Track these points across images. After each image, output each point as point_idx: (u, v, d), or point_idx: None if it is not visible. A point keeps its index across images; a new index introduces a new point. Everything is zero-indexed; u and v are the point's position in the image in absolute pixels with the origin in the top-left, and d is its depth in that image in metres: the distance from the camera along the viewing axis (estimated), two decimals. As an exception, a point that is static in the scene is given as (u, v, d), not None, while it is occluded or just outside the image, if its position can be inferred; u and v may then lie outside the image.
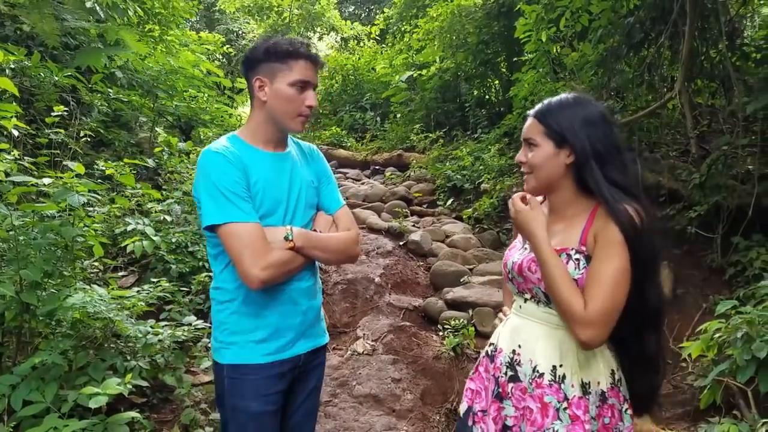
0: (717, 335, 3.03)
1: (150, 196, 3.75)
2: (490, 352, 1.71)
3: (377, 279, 5.02)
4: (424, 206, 7.39)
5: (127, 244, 3.19)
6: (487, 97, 9.99)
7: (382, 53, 12.86)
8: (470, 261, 5.45)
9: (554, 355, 1.53)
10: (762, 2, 6.10)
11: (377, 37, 15.17)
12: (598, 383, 1.52)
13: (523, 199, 1.62)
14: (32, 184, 2.49)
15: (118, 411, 2.49)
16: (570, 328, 1.45)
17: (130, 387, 2.49)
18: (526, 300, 1.63)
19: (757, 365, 2.78)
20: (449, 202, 7.34)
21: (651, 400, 1.63)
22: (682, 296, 4.53)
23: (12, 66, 4.09)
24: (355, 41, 16.29)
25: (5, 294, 2.33)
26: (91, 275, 3.45)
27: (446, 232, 6.20)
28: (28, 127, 3.69)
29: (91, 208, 3.12)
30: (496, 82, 9.79)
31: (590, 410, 1.49)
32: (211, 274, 1.84)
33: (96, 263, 3.46)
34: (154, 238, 3.20)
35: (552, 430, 1.48)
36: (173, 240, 3.92)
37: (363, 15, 18.83)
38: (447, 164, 7.78)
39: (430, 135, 8.97)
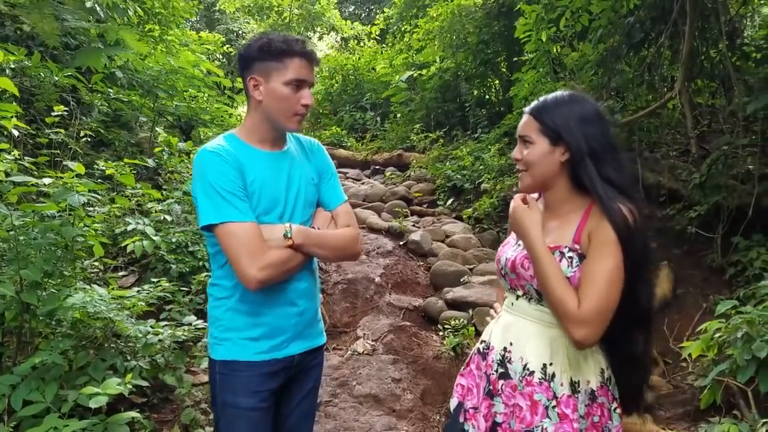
0: (717, 335, 3.03)
1: (150, 196, 3.75)
2: (481, 350, 1.70)
3: (377, 279, 5.02)
4: (425, 206, 7.39)
5: (127, 244, 3.19)
6: (487, 96, 9.99)
7: (382, 53, 12.85)
8: (470, 261, 5.45)
9: (545, 354, 1.53)
10: (762, 2, 6.09)
11: (377, 37, 15.17)
12: (588, 382, 1.52)
13: (524, 201, 1.62)
14: (32, 184, 2.49)
15: (119, 411, 2.49)
16: (563, 326, 1.45)
17: (131, 387, 2.49)
18: (518, 297, 1.63)
19: (757, 365, 2.78)
20: (449, 201, 7.34)
21: (638, 399, 1.64)
22: (683, 296, 4.53)
23: (12, 66, 4.09)
24: (356, 41, 16.30)
25: (5, 294, 2.33)
26: (92, 275, 3.45)
27: (446, 232, 6.20)
28: (28, 127, 3.69)
29: (91, 208, 3.12)
30: (496, 81, 9.79)
31: (579, 409, 1.49)
32: (211, 274, 1.84)
33: (96, 263, 3.46)
34: (155, 238, 3.20)
35: (541, 428, 1.49)
36: (173, 240, 3.92)
37: (363, 15, 18.83)
38: (447, 164, 7.78)
39: (430, 135, 8.97)
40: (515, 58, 7.80)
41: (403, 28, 11.68)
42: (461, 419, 1.66)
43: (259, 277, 1.58)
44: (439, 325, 4.45)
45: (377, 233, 6.00)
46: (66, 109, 3.76)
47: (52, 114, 3.50)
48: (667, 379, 3.81)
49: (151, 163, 4.31)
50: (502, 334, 1.63)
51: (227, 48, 11.11)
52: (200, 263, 3.95)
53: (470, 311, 4.48)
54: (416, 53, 10.57)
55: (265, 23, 15.53)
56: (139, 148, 5.41)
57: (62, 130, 3.77)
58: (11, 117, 2.67)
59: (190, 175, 4.61)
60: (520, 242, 1.61)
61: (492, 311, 1.83)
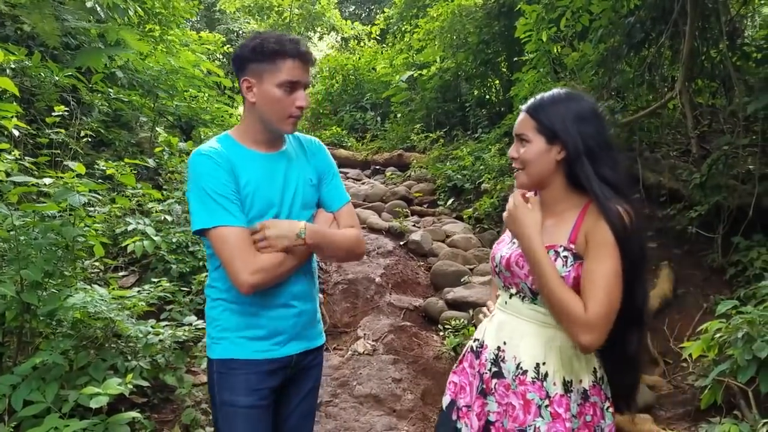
0: (718, 335, 3.03)
1: (150, 196, 3.75)
2: (475, 348, 1.70)
3: (378, 279, 5.02)
4: (425, 206, 7.39)
5: (127, 244, 3.19)
6: (487, 96, 9.99)
7: (382, 53, 12.86)
8: (471, 261, 5.45)
9: (538, 353, 1.52)
10: (762, 2, 6.09)
11: (377, 37, 15.17)
12: (580, 381, 1.52)
13: (524, 198, 1.60)
14: (33, 184, 2.50)
15: (119, 411, 2.50)
16: (569, 331, 1.44)
17: (131, 387, 2.50)
18: (511, 295, 1.62)
19: (757, 365, 2.78)
20: (450, 201, 7.34)
21: (631, 398, 1.64)
22: (683, 296, 4.53)
23: (12, 66, 4.09)
24: (356, 41, 16.30)
25: (6, 294, 2.33)
26: (92, 275, 3.45)
27: (447, 232, 6.20)
28: (28, 127, 3.69)
29: (91, 208, 3.12)
30: (497, 81, 9.79)
31: (571, 408, 1.49)
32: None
33: (96, 263, 3.46)
34: (155, 238, 3.20)
35: (533, 427, 1.48)
36: (174, 240, 3.92)
37: (363, 15, 18.83)
38: (447, 164, 7.78)
39: (431, 135, 8.97)
40: (516, 58, 7.80)
41: (403, 28, 11.69)
42: (453, 417, 1.66)
43: (250, 281, 1.57)
44: (439, 325, 4.45)
45: (378, 233, 6.01)
46: (66, 109, 3.76)
47: (53, 114, 3.50)
48: (667, 379, 3.81)
49: (151, 163, 4.31)
50: (496, 333, 1.63)
51: (227, 48, 11.12)
52: (200, 263, 3.95)
53: (471, 311, 4.48)
54: (416, 53, 10.58)
55: (266, 23, 15.54)
56: (140, 148, 5.41)
57: (62, 130, 3.77)
58: (12, 117, 2.67)
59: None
60: (515, 240, 1.60)
61: (485, 309, 1.83)
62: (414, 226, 6.35)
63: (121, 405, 2.83)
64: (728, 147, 4.60)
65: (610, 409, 1.57)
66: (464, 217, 6.68)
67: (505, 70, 9.38)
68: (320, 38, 17.23)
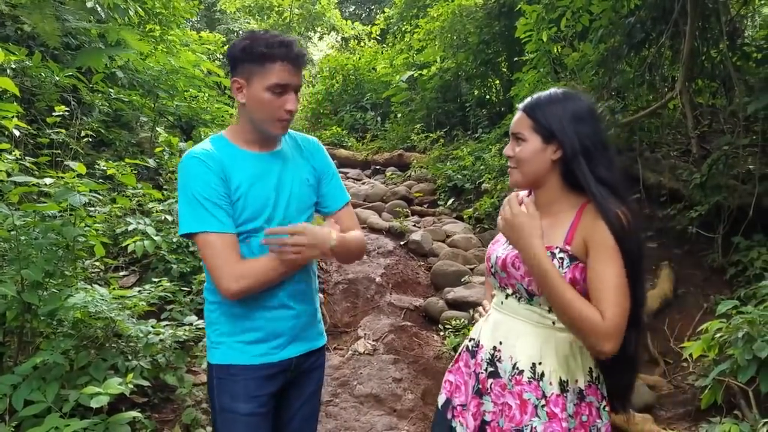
0: (718, 335, 3.03)
1: (151, 196, 3.75)
2: (470, 347, 1.70)
3: (378, 279, 5.02)
4: (425, 206, 7.39)
5: (128, 244, 3.19)
6: (487, 96, 9.99)
7: (382, 53, 12.86)
8: (471, 261, 5.45)
9: (534, 353, 1.52)
10: (763, 2, 6.09)
11: (378, 37, 15.16)
12: (576, 381, 1.52)
13: (521, 202, 1.56)
14: (33, 184, 2.50)
15: (120, 411, 2.50)
16: (588, 341, 1.42)
17: (132, 387, 2.50)
18: (507, 296, 1.61)
19: (758, 365, 2.78)
20: (450, 201, 7.34)
21: (627, 397, 1.64)
22: (683, 296, 4.53)
23: (13, 66, 4.09)
24: (356, 41, 16.30)
25: (7, 294, 2.33)
26: (93, 275, 3.45)
27: (447, 231, 6.21)
28: (29, 127, 3.69)
29: (92, 208, 3.12)
30: (497, 81, 9.79)
31: (568, 408, 1.49)
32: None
33: (97, 263, 3.46)
34: (155, 238, 3.20)
35: (530, 426, 1.48)
36: (174, 240, 3.91)
37: (363, 15, 18.83)
38: (448, 164, 7.79)
39: (431, 135, 8.97)
40: (516, 58, 7.81)
41: (403, 28, 11.69)
42: (449, 416, 1.66)
43: (234, 288, 1.55)
44: (439, 325, 4.46)
45: (378, 233, 6.01)
46: (67, 109, 3.76)
47: (53, 114, 3.50)
48: (668, 379, 3.81)
49: (152, 163, 4.31)
50: (492, 332, 1.63)
51: (228, 48, 11.10)
52: (200, 263, 3.94)
53: (471, 311, 4.47)
54: (417, 53, 10.58)
55: (266, 23, 15.55)
56: (140, 148, 5.42)
57: (63, 130, 3.77)
58: (12, 117, 2.67)
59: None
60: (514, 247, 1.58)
61: (480, 308, 1.82)
62: (414, 226, 6.35)
63: (122, 405, 2.83)
64: (728, 147, 4.60)
65: (606, 409, 1.57)
66: (464, 217, 6.68)
67: (505, 70, 9.38)
68: (320, 38, 17.25)
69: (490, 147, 7.49)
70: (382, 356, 3.94)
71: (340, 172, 9.14)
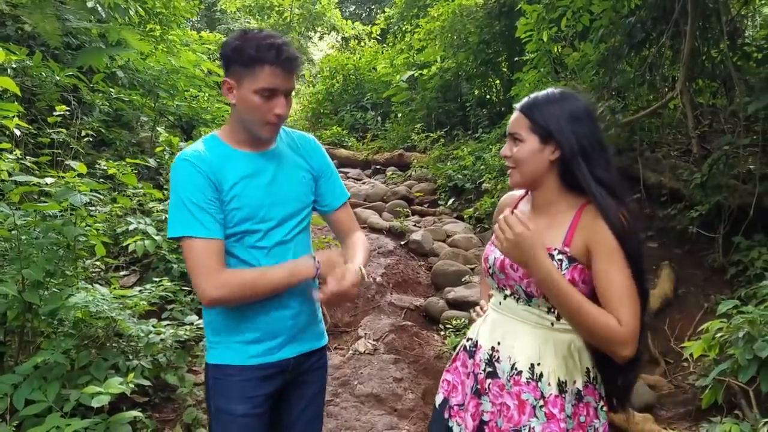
0: (718, 335, 3.03)
1: (151, 196, 3.75)
2: (468, 347, 1.69)
3: (378, 278, 5.02)
4: (425, 206, 7.40)
5: (128, 244, 3.19)
6: (488, 96, 10.00)
7: (383, 53, 12.87)
8: (471, 261, 5.45)
9: (533, 354, 1.52)
10: (763, 2, 6.09)
11: (378, 37, 15.17)
12: (575, 382, 1.52)
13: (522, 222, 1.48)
14: (34, 184, 2.50)
15: (121, 410, 2.50)
16: (608, 349, 1.42)
17: (132, 386, 2.50)
18: (506, 296, 1.60)
19: (758, 365, 2.77)
20: (450, 201, 7.35)
21: (626, 397, 1.64)
22: (684, 296, 4.53)
23: (14, 66, 4.09)
24: (356, 41, 16.30)
25: (8, 293, 2.33)
26: (93, 275, 3.45)
27: (447, 231, 6.21)
28: (29, 127, 3.69)
29: (93, 208, 3.12)
30: (497, 81, 9.80)
31: (566, 409, 1.48)
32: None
33: (98, 263, 3.46)
34: (156, 238, 3.19)
35: (528, 427, 1.48)
36: (175, 239, 3.91)
37: (364, 14, 18.83)
38: (448, 164, 7.79)
39: (431, 135, 8.98)
40: (516, 58, 7.81)
41: (404, 28, 11.69)
42: (446, 415, 1.66)
43: (212, 295, 1.53)
44: (440, 325, 4.46)
45: (378, 233, 6.01)
46: (67, 108, 3.75)
47: (54, 114, 3.50)
48: (668, 379, 3.81)
49: (152, 162, 4.31)
50: (490, 333, 1.62)
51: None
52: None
53: (471, 311, 4.48)
54: (417, 53, 10.58)
55: (266, 23, 15.55)
56: (141, 147, 5.42)
57: (64, 130, 3.78)
58: (13, 116, 2.67)
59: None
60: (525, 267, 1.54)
61: (478, 308, 1.81)
62: (415, 225, 6.35)
63: (123, 404, 2.83)
64: (729, 147, 4.60)
65: (604, 408, 1.56)
66: (465, 216, 6.69)
67: (505, 69, 9.39)
68: (321, 38, 17.26)
69: (491, 147, 7.50)
70: (383, 356, 3.94)
71: (341, 172, 9.17)
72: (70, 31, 4.88)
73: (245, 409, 1.64)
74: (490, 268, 1.63)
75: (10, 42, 4.40)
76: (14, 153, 2.96)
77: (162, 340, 2.94)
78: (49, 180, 2.54)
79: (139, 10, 5.35)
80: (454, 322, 4.29)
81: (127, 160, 3.54)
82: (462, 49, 9.18)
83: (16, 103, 3.00)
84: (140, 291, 3.06)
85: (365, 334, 4.24)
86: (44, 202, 2.66)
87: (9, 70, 4.06)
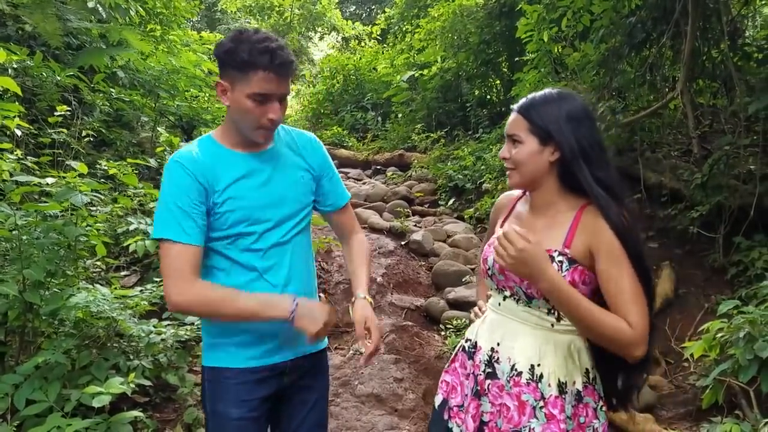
0: (719, 335, 3.03)
1: (152, 196, 3.75)
2: (467, 348, 1.68)
3: (379, 279, 5.02)
4: (426, 206, 7.39)
5: (129, 244, 3.19)
6: (488, 96, 10.00)
7: (383, 53, 12.86)
8: (472, 261, 5.45)
9: (533, 354, 1.51)
10: (764, 2, 6.09)
11: (378, 37, 15.18)
12: (574, 383, 1.51)
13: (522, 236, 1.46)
14: (35, 184, 2.50)
15: (121, 410, 2.50)
16: (621, 352, 1.43)
17: (133, 386, 2.50)
18: (505, 297, 1.60)
19: (759, 365, 2.78)
20: (451, 201, 7.35)
21: (631, 397, 1.64)
22: (684, 296, 4.53)
23: (14, 66, 4.09)
24: (357, 41, 16.31)
25: (8, 293, 2.34)
26: (94, 275, 3.46)
27: (448, 231, 6.21)
28: (30, 127, 3.69)
29: (93, 208, 3.12)
30: (498, 81, 9.79)
31: (566, 409, 1.48)
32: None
33: (98, 263, 3.47)
34: (157, 238, 3.20)
35: (528, 428, 1.48)
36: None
37: (364, 15, 18.84)
38: (448, 164, 7.79)
39: (432, 135, 8.98)
40: (516, 58, 7.81)
41: (404, 28, 11.69)
42: (446, 416, 1.66)
43: (175, 300, 1.51)
44: (440, 325, 4.46)
45: (379, 233, 6.01)
46: (68, 108, 3.76)
47: (55, 114, 3.50)
48: (668, 379, 3.81)
49: (153, 163, 4.31)
50: (489, 334, 1.61)
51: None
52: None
53: (470, 312, 4.48)
54: (417, 53, 10.58)
55: (267, 23, 15.55)
56: (141, 147, 5.42)
57: (64, 130, 3.78)
58: (14, 117, 2.68)
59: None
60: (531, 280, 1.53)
61: (476, 309, 1.80)
62: (415, 226, 6.35)
63: (124, 404, 2.84)
64: (729, 147, 4.60)
65: (603, 409, 1.56)
66: (465, 217, 6.69)
67: (506, 70, 9.39)
68: (321, 38, 17.27)
69: (491, 147, 7.50)
70: (384, 356, 3.94)
71: (341, 172, 9.16)
72: (71, 31, 4.88)
73: (240, 412, 1.62)
74: (489, 269, 1.62)
75: (11, 42, 4.40)
76: (15, 153, 2.96)
77: (163, 340, 2.94)
78: (50, 180, 2.54)
79: (139, 11, 5.35)
80: (454, 322, 4.30)
81: (128, 160, 3.54)
82: (462, 50, 9.18)
83: (17, 103, 3.00)
84: (141, 291, 3.06)
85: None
86: (45, 202, 2.66)
87: (10, 70, 4.06)
